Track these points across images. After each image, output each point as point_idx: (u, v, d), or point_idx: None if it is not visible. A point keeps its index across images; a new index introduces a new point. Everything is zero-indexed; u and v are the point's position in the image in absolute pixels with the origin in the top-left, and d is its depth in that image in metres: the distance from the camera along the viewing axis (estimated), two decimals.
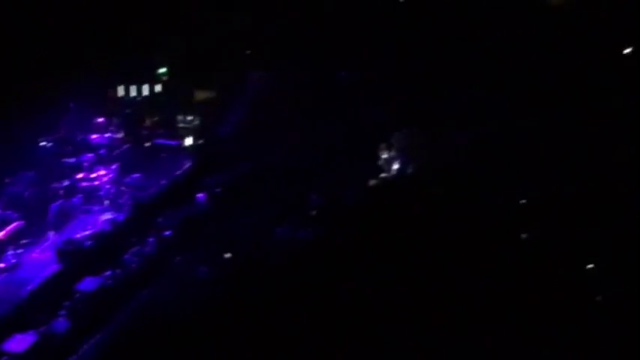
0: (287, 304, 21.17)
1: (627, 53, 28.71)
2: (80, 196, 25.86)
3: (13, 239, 23.56)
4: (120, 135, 29.60)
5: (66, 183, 26.23)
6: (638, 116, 26.88)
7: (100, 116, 29.13)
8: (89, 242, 24.06)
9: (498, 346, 18.64)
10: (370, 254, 23.26)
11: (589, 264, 21.45)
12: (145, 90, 31.78)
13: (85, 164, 27.18)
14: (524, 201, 24.68)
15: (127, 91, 31.49)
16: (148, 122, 30.96)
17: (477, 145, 27.88)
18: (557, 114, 28.28)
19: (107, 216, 25.52)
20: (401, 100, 30.36)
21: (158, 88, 32.17)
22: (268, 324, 20.38)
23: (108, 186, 26.61)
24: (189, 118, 30.86)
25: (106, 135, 28.98)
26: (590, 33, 30.00)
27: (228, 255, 23.87)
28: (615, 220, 22.98)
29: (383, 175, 28.54)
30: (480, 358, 18.66)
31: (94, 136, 28.59)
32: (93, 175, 26.77)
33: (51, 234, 24.41)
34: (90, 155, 27.58)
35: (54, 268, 23.04)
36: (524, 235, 23.22)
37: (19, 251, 23.40)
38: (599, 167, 25.31)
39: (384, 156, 28.64)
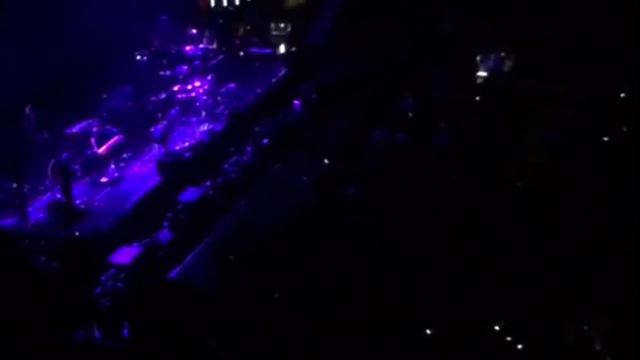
0: (384, 206, 21.17)
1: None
2: (177, 108, 26.09)
3: (114, 154, 23.96)
4: (213, 46, 29.69)
5: (163, 96, 26.52)
6: None
7: (192, 27, 29.20)
8: (188, 153, 24.35)
9: None
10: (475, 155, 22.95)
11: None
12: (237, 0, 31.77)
13: (181, 76, 27.39)
14: None
15: (219, 1, 31.49)
16: (240, 32, 30.92)
17: None
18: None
19: (205, 127, 25.75)
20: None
21: None
22: (367, 226, 20.42)
23: (204, 97, 26.77)
24: (282, 25, 30.76)
25: (200, 46, 29.11)
26: None
27: (326, 161, 23.88)
28: None
29: (479, 73, 28.07)
30: None
31: (187, 48, 28.75)
32: (189, 87, 26.96)
33: (152, 147, 24.74)
34: (185, 67, 27.76)
35: (155, 180, 23.41)
36: None
37: (120, 165, 23.84)
38: None
39: (479, 56, 28.11)
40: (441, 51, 27.91)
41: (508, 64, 27.75)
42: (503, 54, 27.70)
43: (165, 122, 25.00)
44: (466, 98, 26.73)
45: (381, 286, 17.66)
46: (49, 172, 22.36)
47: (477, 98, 26.97)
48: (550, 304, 17.04)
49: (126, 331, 18.07)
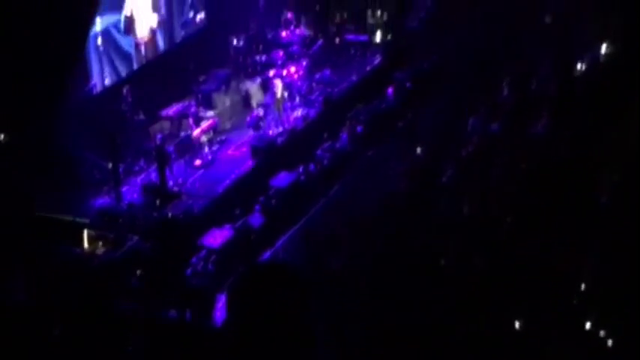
0: (477, 193, 20.89)
1: None
2: (272, 93, 26.11)
3: (208, 137, 24.14)
4: (309, 32, 29.63)
5: (258, 80, 26.59)
6: None
7: (288, 12, 29.19)
8: (282, 138, 24.40)
9: None
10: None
11: None
12: None
13: (276, 61, 27.41)
14: None
15: None
16: (337, 18, 30.76)
17: None
18: None
19: (299, 112, 25.74)
20: None
21: None
22: (461, 215, 20.18)
23: (299, 83, 26.74)
24: (378, 13, 30.51)
25: (296, 32, 29.09)
26: None
27: (419, 149, 23.69)
28: None
29: (581, 65, 27.36)
30: None
31: (283, 33, 28.78)
32: (284, 72, 26.94)
33: (246, 132, 24.83)
34: (280, 52, 27.77)
35: (249, 164, 23.52)
36: None
37: (214, 148, 23.99)
38: None
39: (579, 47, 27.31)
40: (540, 41, 27.34)
41: (609, 57, 27.07)
42: (604, 45, 27.04)
43: (260, 110, 25.08)
44: (564, 90, 26.19)
45: (474, 274, 17.43)
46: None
47: (576, 90, 26.41)
48: None
49: (217, 313, 18.22)
